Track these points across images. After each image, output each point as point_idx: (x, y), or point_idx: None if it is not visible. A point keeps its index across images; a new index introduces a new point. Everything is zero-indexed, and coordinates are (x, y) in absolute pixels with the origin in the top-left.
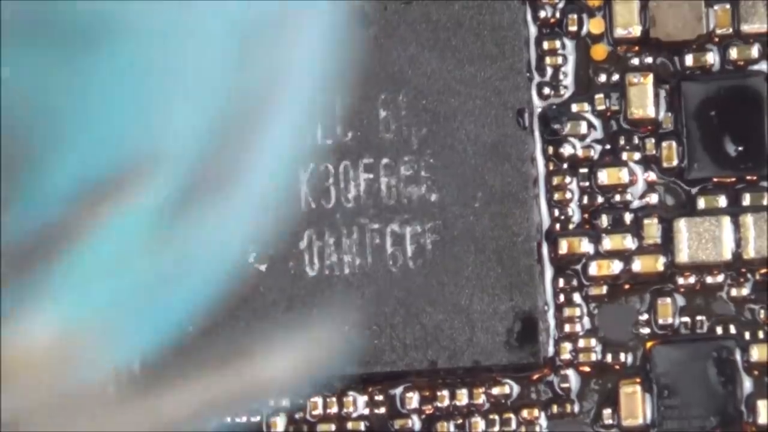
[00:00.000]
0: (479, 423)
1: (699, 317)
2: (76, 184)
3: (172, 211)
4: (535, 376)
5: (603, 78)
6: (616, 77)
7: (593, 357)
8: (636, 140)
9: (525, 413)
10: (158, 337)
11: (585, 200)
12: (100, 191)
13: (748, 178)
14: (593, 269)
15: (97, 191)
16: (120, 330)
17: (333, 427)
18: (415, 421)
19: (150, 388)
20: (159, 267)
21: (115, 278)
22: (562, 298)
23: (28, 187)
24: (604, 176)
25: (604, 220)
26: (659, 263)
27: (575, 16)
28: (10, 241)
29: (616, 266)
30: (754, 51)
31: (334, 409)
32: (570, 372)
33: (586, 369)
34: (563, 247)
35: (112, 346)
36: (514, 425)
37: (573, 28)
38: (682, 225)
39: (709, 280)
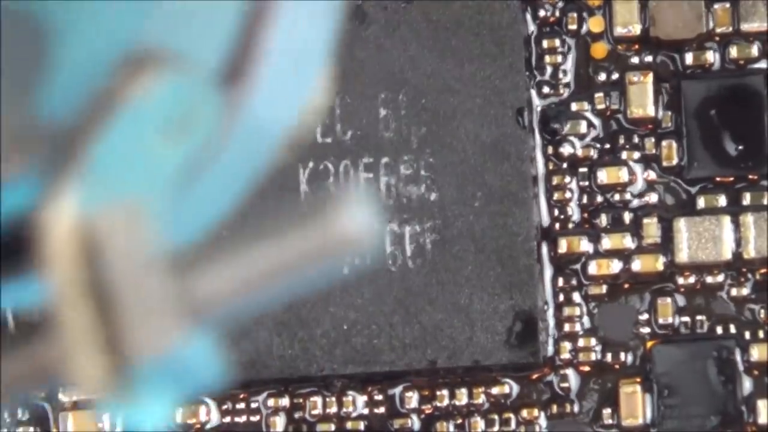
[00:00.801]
0: (479, 423)
1: (699, 317)
2: (115, 53)
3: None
4: (535, 376)
5: (603, 77)
6: (615, 76)
7: (593, 356)
8: (636, 139)
9: (525, 413)
10: (195, 222)
11: (584, 199)
12: (139, 61)
13: (749, 177)
14: (593, 268)
15: (136, 61)
16: (154, 215)
17: (332, 426)
18: (415, 421)
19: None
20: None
21: (142, 165)
22: (561, 297)
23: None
24: (604, 175)
25: (604, 220)
26: (659, 263)
27: (575, 15)
28: (48, 119)
29: (615, 266)
30: (754, 50)
31: (333, 409)
32: (570, 371)
33: (586, 368)
34: (563, 246)
35: (144, 232)
36: (513, 425)
37: (573, 27)
38: (682, 224)
39: (709, 279)
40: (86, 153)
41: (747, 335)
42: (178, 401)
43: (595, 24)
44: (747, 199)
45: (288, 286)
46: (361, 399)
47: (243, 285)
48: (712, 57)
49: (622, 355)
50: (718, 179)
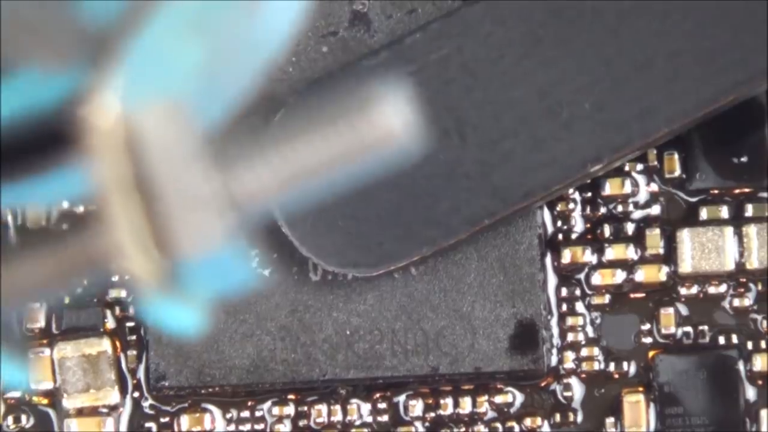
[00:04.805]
0: (482, 431)
1: (701, 327)
2: None
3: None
4: (541, 384)
5: None
6: None
7: (596, 366)
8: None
9: (528, 422)
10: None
11: (588, 210)
12: None
13: (750, 189)
14: (596, 279)
15: None
16: (187, 107)
17: None
18: (419, 429)
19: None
20: (213, 51)
21: (177, 58)
22: (565, 307)
23: None
24: (607, 187)
25: (607, 230)
26: (662, 273)
27: None
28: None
29: (618, 276)
30: None
31: (338, 417)
32: (573, 380)
33: (589, 378)
34: (566, 256)
35: (181, 122)
36: None
37: None
38: (685, 235)
39: (711, 290)
40: (126, 50)
41: (749, 345)
42: (212, 301)
43: None
44: (749, 210)
45: (329, 181)
46: (366, 407)
47: (285, 180)
48: None
49: (625, 365)
50: (720, 191)
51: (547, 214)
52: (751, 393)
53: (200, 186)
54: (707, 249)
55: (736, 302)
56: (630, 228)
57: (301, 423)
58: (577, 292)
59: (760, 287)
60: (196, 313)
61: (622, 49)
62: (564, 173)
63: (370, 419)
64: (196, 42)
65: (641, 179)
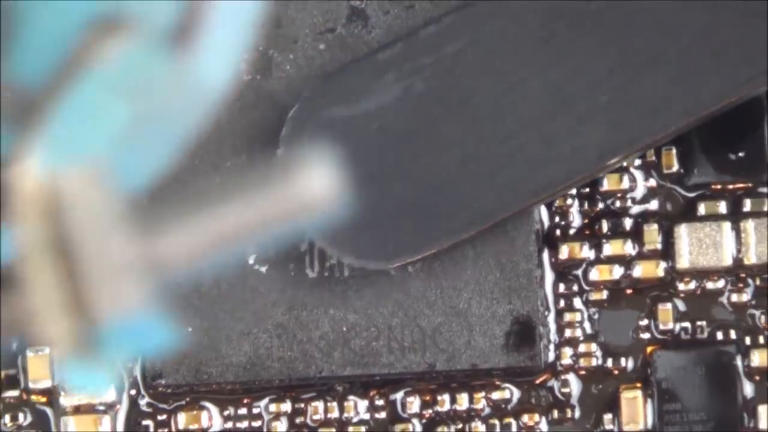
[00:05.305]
0: (479, 427)
1: (699, 322)
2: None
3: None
4: (537, 381)
5: None
6: None
7: (594, 362)
8: None
9: (525, 418)
10: (148, 173)
11: (585, 206)
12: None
13: (748, 184)
14: (594, 274)
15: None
16: (111, 171)
17: (334, 431)
18: (416, 426)
19: (150, 222)
20: (144, 109)
21: (101, 122)
22: (562, 303)
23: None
24: (605, 182)
25: (605, 226)
26: (660, 268)
27: None
28: (16, 82)
29: (616, 271)
30: None
31: (335, 414)
32: (570, 377)
33: (587, 374)
34: (564, 252)
35: (103, 186)
36: (514, 430)
37: None
38: (682, 230)
39: (709, 285)
40: (51, 114)
41: (747, 341)
42: (127, 361)
43: None
44: (747, 205)
45: (247, 247)
46: (363, 404)
47: (204, 246)
48: None
49: (623, 361)
50: (718, 186)
51: (544, 209)
52: (749, 389)
53: (121, 250)
54: (705, 244)
55: (734, 298)
56: (628, 223)
57: (298, 420)
58: (575, 288)
59: (758, 282)
60: (110, 375)
61: (630, 46)
62: (578, 168)
63: (367, 416)
64: (122, 105)
65: (639, 174)
